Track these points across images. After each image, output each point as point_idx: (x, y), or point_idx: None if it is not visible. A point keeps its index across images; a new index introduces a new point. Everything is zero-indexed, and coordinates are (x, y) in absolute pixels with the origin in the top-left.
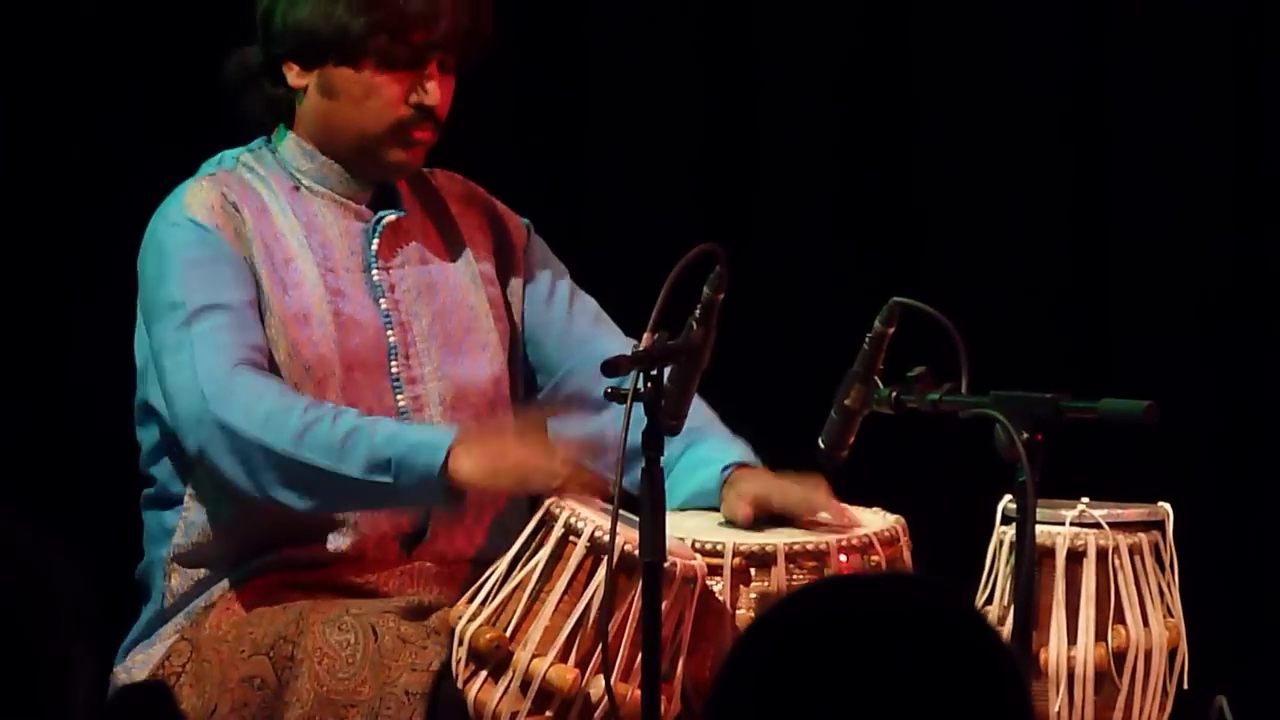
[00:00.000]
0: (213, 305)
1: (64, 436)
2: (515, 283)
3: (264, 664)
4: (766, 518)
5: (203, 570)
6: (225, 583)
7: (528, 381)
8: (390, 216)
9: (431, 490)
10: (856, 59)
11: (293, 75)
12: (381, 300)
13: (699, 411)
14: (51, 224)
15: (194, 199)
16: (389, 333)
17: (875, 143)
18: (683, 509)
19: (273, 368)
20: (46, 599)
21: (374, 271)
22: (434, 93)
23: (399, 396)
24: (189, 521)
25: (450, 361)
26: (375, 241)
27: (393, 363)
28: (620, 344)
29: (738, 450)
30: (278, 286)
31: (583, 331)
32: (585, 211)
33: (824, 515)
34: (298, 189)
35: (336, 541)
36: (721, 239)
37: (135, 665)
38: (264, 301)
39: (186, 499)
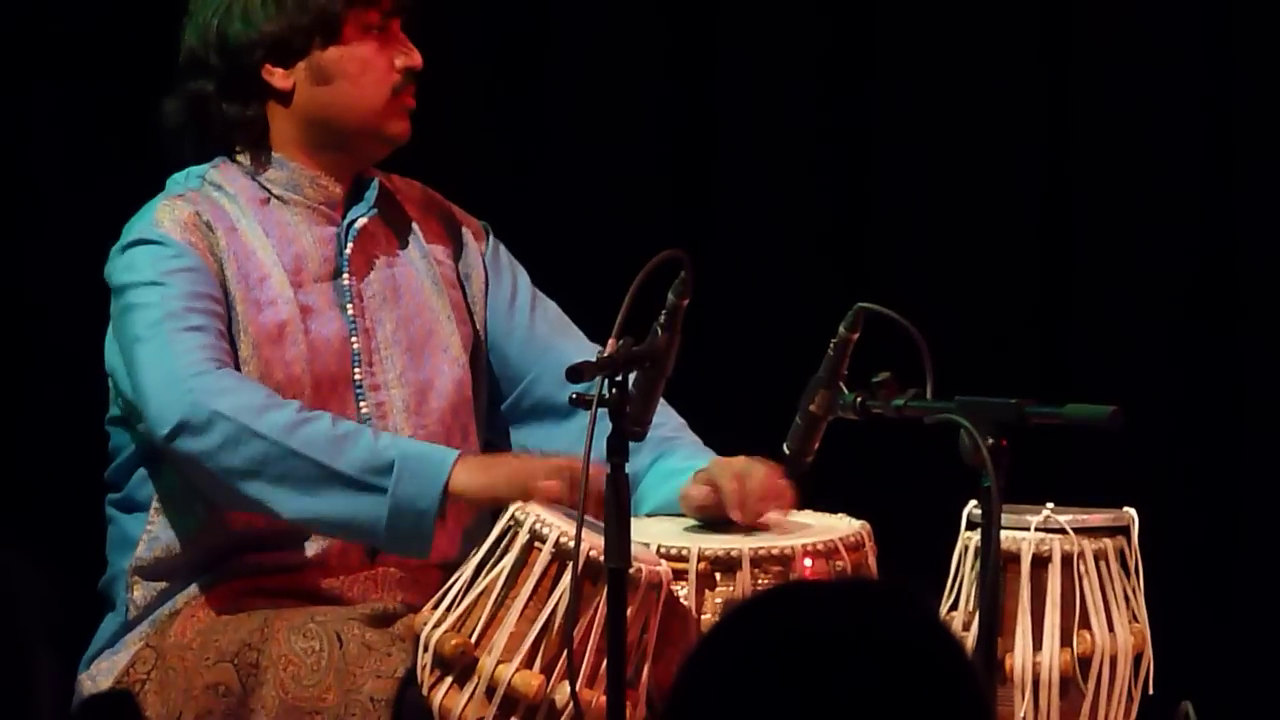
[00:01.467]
0: (189, 309)
1: (28, 443)
2: (477, 287)
3: (229, 671)
4: (726, 520)
5: (165, 582)
6: (190, 590)
7: (492, 389)
8: (362, 220)
9: (427, 500)
10: (821, 63)
11: (276, 78)
12: (348, 306)
13: (669, 421)
14: (14, 228)
15: (165, 215)
16: (353, 339)
17: (839, 147)
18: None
19: None
20: (9, 605)
21: (344, 277)
22: (414, 53)
23: (362, 404)
24: (153, 536)
25: (413, 366)
26: (349, 246)
27: (356, 370)
28: (583, 349)
29: (707, 460)
30: (251, 306)
31: (545, 337)
32: (548, 217)
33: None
34: (267, 201)
35: (301, 547)
36: (686, 245)
37: (100, 673)
38: (237, 323)
39: (151, 513)
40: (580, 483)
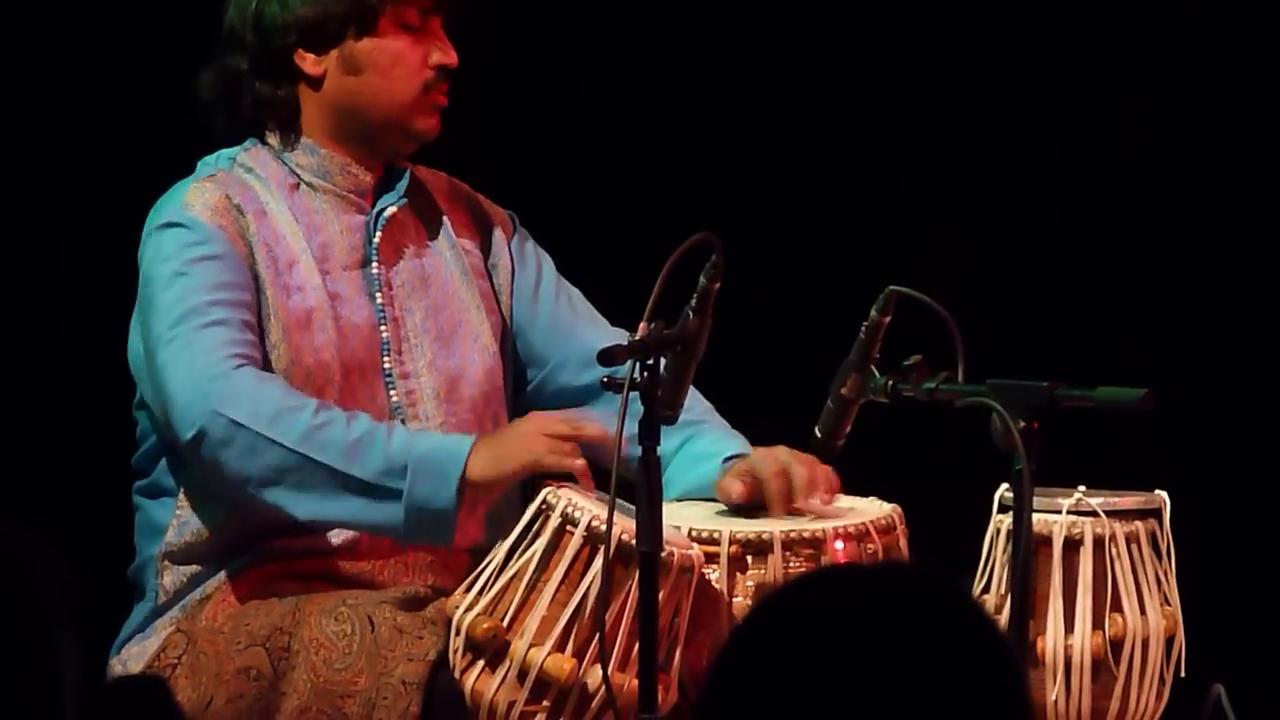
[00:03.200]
0: (212, 303)
1: (56, 429)
2: (503, 276)
3: (260, 655)
4: (761, 505)
5: (195, 566)
6: (220, 575)
7: (518, 376)
8: (391, 209)
9: (443, 499)
10: (851, 44)
11: (308, 64)
12: (377, 295)
13: (697, 405)
14: (44, 213)
15: (196, 199)
16: (382, 329)
17: (871, 129)
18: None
19: (271, 373)
20: (33, 590)
21: (373, 266)
22: (450, 51)
23: (392, 392)
24: (182, 521)
25: (443, 355)
26: (378, 235)
27: (385, 359)
28: (606, 336)
29: (736, 444)
30: (281, 291)
31: (568, 324)
32: (580, 202)
33: (813, 503)
34: (297, 187)
35: (332, 532)
36: (717, 228)
37: (131, 658)
38: (267, 306)
39: (180, 497)
40: (613, 470)
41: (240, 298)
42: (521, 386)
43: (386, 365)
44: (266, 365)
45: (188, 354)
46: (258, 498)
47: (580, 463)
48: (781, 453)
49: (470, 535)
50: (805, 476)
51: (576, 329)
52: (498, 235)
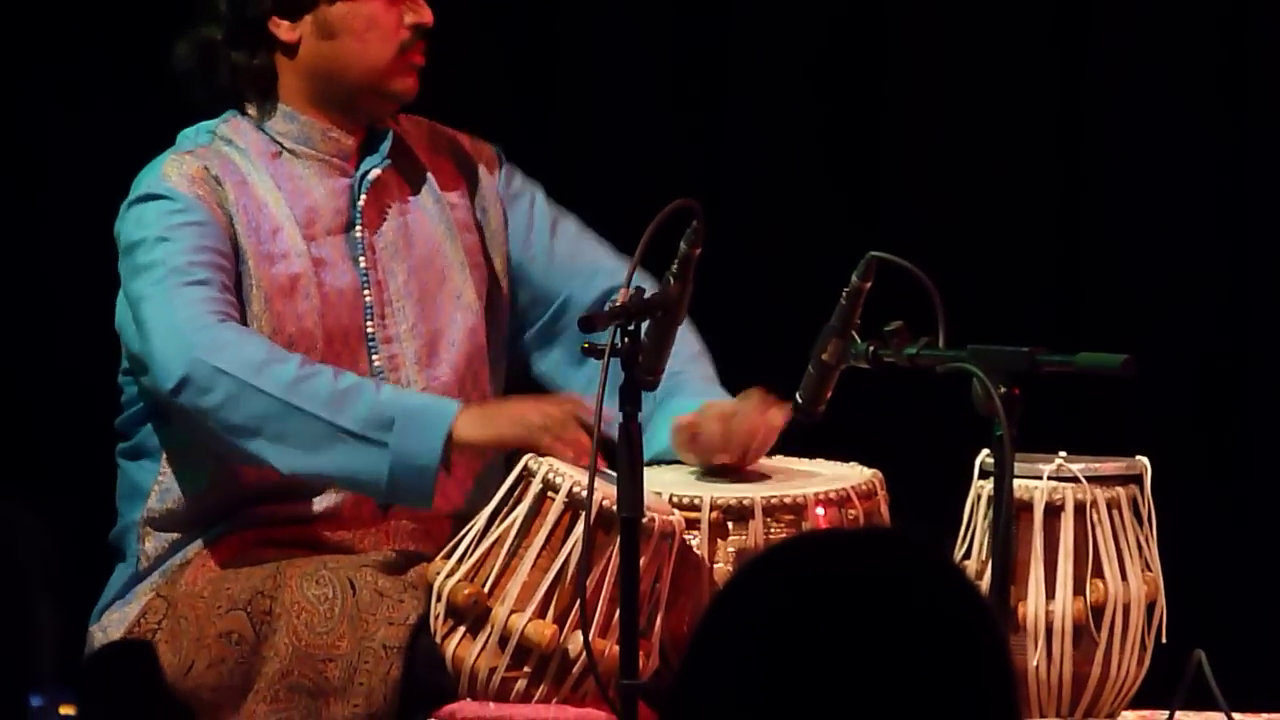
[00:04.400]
0: (193, 264)
1: (41, 396)
2: (495, 221)
3: (241, 619)
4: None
5: (176, 534)
6: (201, 541)
7: (517, 322)
8: (375, 171)
9: (428, 453)
10: (832, 6)
11: (283, 30)
12: (361, 259)
13: (684, 350)
14: (24, 176)
15: (174, 170)
16: (365, 293)
17: (851, 94)
18: (658, 460)
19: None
20: (9, 553)
21: (356, 229)
22: (425, 10)
23: (374, 356)
24: (164, 487)
25: (424, 317)
26: (362, 199)
27: (369, 323)
28: (608, 256)
29: (716, 396)
30: (263, 260)
31: (568, 255)
32: (558, 169)
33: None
34: (279, 155)
35: (314, 499)
36: (697, 194)
37: (111, 624)
38: (249, 276)
39: (162, 463)
40: (593, 432)
41: (220, 263)
42: (518, 334)
43: (370, 329)
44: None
45: (170, 307)
46: (239, 448)
47: (570, 452)
48: (727, 403)
49: (451, 499)
50: (746, 420)
51: (578, 262)
52: (484, 178)
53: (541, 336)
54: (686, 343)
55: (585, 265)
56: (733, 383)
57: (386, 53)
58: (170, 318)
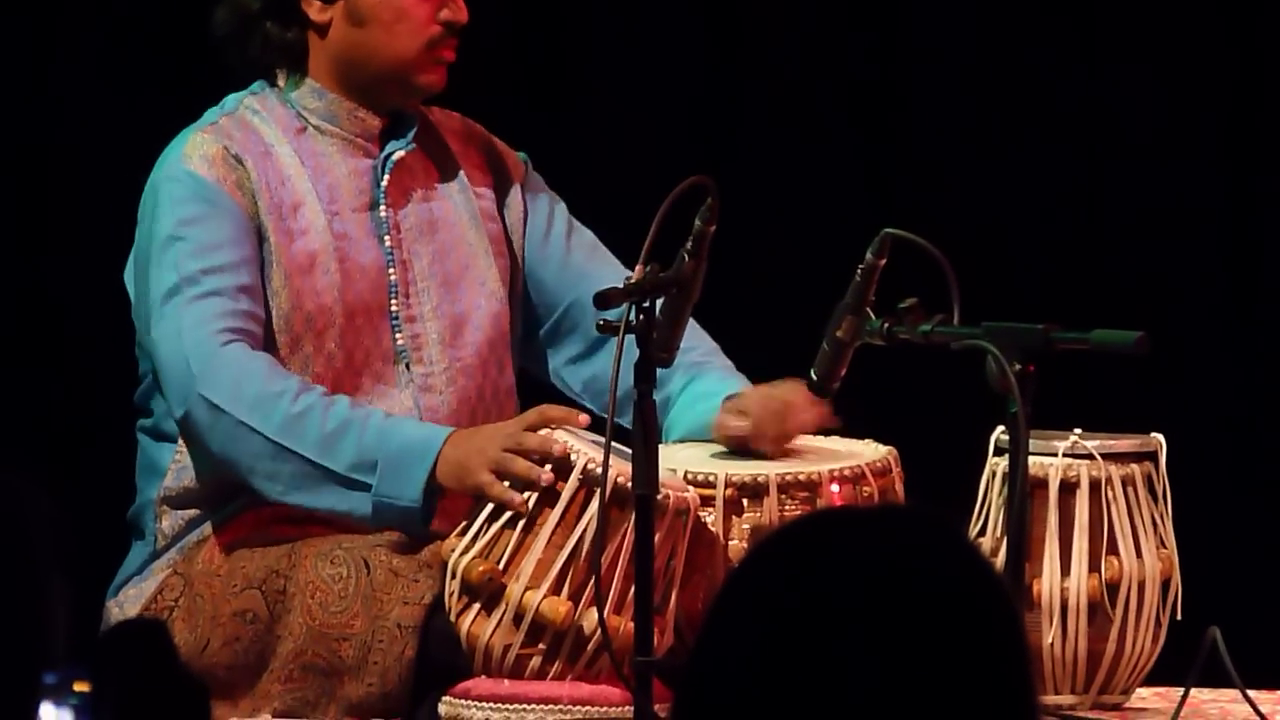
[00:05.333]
0: (205, 270)
1: (59, 372)
2: (515, 219)
3: (256, 598)
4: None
5: (193, 510)
6: (217, 518)
7: (529, 320)
8: (399, 153)
9: (408, 496)
10: None
11: (314, 10)
12: (385, 238)
13: (701, 344)
14: (47, 155)
15: (194, 150)
16: (390, 271)
17: (866, 72)
18: (680, 442)
19: (269, 326)
20: (19, 529)
21: (380, 209)
22: (461, 8)
23: (398, 335)
24: (181, 466)
25: (449, 299)
26: (385, 179)
27: (393, 301)
28: (619, 276)
29: (738, 384)
30: (284, 236)
31: (580, 265)
32: (576, 145)
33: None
34: (304, 130)
35: None
36: (712, 170)
37: (128, 600)
38: (270, 253)
39: (180, 442)
40: (609, 411)
41: (235, 258)
42: (533, 332)
43: (393, 308)
44: (266, 318)
45: (177, 329)
46: (238, 478)
47: (520, 499)
48: (772, 389)
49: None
50: (799, 414)
51: (589, 271)
52: (510, 178)
53: (548, 338)
54: (702, 338)
55: (595, 275)
56: (747, 359)
57: (414, 46)
58: (177, 342)
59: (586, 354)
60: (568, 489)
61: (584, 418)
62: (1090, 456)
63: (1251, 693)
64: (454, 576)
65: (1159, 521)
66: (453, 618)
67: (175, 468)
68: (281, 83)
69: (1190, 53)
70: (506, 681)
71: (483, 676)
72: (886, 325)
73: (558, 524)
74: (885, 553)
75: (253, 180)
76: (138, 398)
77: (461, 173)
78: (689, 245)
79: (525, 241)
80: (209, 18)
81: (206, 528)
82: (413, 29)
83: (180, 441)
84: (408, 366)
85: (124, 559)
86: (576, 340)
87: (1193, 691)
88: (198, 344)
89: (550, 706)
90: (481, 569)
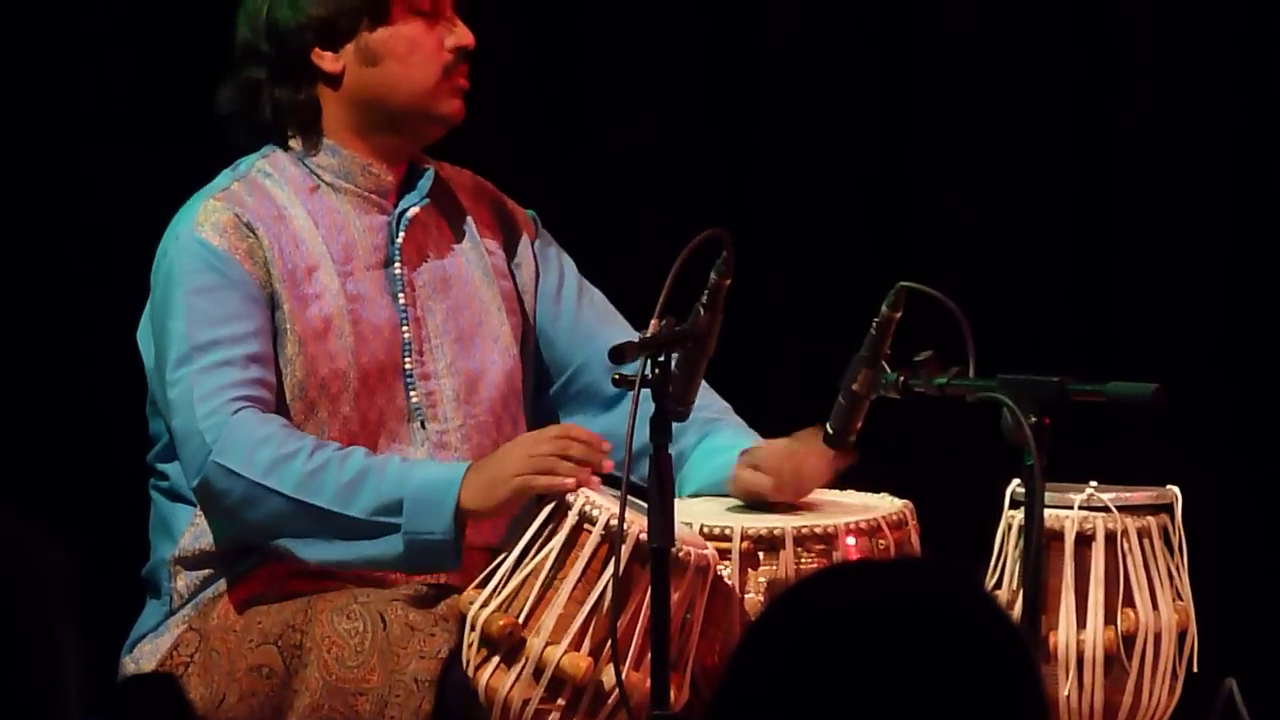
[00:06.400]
0: (214, 341)
1: (74, 425)
2: (526, 277)
3: (272, 653)
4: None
5: (207, 570)
6: (233, 574)
7: (540, 375)
8: (414, 208)
9: (440, 528)
10: (859, 39)
11: (326, 62)
12: (400, 295)
13: (714, 403)
14: (64, 214)
15: (206, 218)
16: (404, 329)
17: (879, 127)
18: (695, 496)
19: (282, 393)
20: (32, 582)
21: (395, 266)
22: (465, 32)
23: (412, 393)
24: (199, 530)
25: (463, 356)
26: (400, 235)
27: (406, 359)
28: (628, 337)
29: (751, 441)
30: (298, 303)
31: (591, 326)
32: (590, 198)
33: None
34: (317, 188)
35: None
36: (727, 224)
37: (143, 656)
38: (283, 321)
39: (196, 509)
40: (625, 466)
41: (245, 329)
42: (544, 389)
43: (407, 366)
44: (279, 386)
45: (189, 399)
46: (261, 540)
47: (570, 480)
48: (794, 443)
49: (483, 535)
50: (814, 468)
51: (599, 331)
52: (521, 236)
53: (558, 397)
54: (714, 397)
55: (605, 336)
56: (763, 412)
57: (431, 74)
58: (190, 411)
59: (597, 413)
60: (589, 543)
61: (607, 444)
62: (1106, 509)
63: None
64: (473, 629)
65: (1175, 573)
66: (471, 670)
67: (193, 531)
68: (294, 144)
69: (1202, 101)
70: None
71: None
72: (902, 378)
73: (579, 579)
74: (904, 606)
75: (265, 248)
76: (151, 458)
77: (474, 229)
78: (704, 298)
79: (537, 302)
80: (213, 99)
81: (222, 584)
82: (427, 58)
83: (198, 507)
84: (423, 424)
85: (139, 615)
86: (586, 400)
87: None
88: (209, 413)
89: None
90: (502, 623)
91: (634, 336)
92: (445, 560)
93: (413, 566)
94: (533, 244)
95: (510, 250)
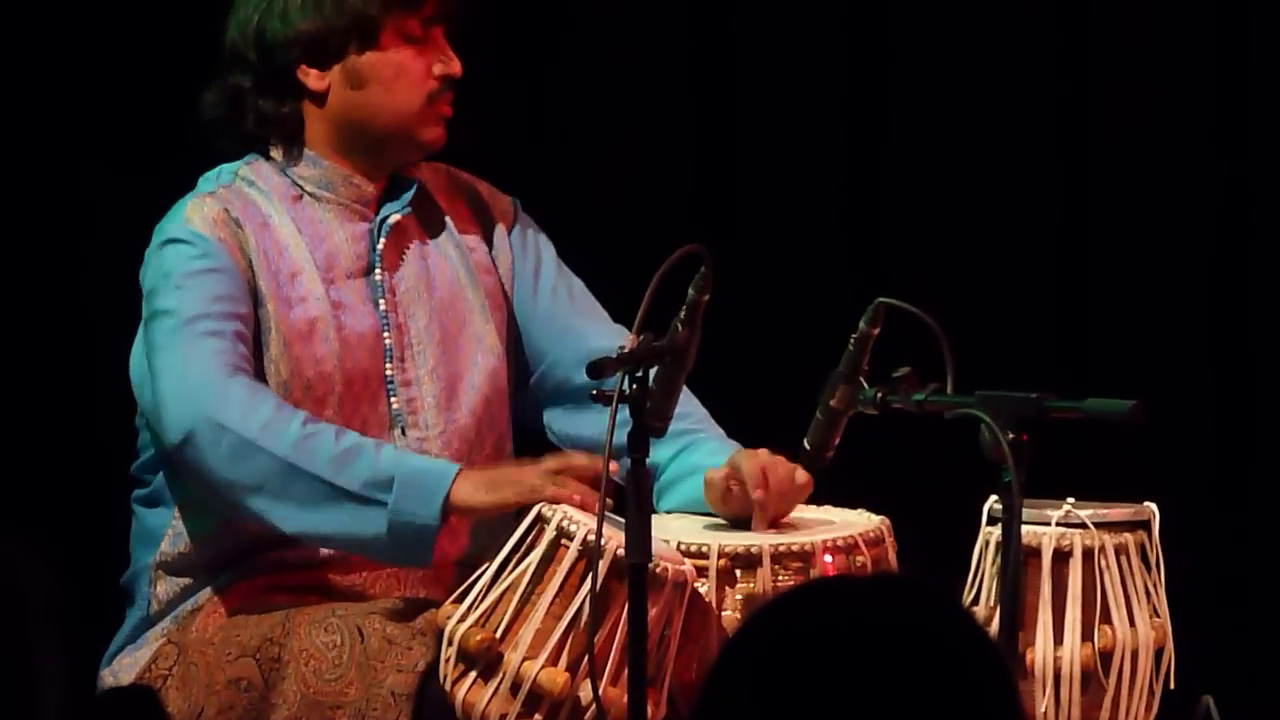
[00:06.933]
0: (206, 314)
1: (55, 438)
2: (505, 268)
3: (250, 666)
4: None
5: (188, 578)
6: (212, 586)
7: (520, 369)
8: (395, 216)
9: (427, 513)
10: (839, 58)
11: (311, 79)
12: (381, 302)
13: (693, 411)
14: (48, 225)
15: (195, 213)
16: (385, 336)
17: (858, 141)
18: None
19: (271, 387)
20: (13, 597)
21: (376, 273)
22: (454, 61)
23: (393, 400)
24: (177, 531)
25: (445, 360)
26: (381, 243)
27: (388, 366)
28: (606, 331)
29: (730, 454)
30: (282, 304)
31: (565, 318)
32: (568, 213)
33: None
34: (300, 198)
35: None
36: (705, 240)
37: (122, 669)
38: (268, 319)
39: (176, 508)
40: (601, 479)
41: (236, 311)
42: (524, 381)
43: (389, 373)
44: (261, 379)
45: (183, 360)
46: (241, 505)
47: (577, 497)
48: (763, 455)
49: (445, 552)
50: (786, 469)
51: (574, 324)
52: (499, 225)
53: (537, 388)
54: (694, 405)
55: (578, 331)
56: (740, 428)
57: (415, 101)
58: (181, 371)
59: (572, 409)
60: (567, 559)
61: (615, 465)
62: (1084, 525)
63: None
64: (450, 644)
65: (1152, 590)
66: (448, 685)
67: (171, 533)
68: (276, 155)
69: (1188, 124)
70: None
71: None
72: (880, 394)
73: (557, 594)
74: (881, 621)
75: (251, 246)
76: (134, 469)
77: (453, 229)
78: (682, 314)
79: (514, 291)
80: (196, 102)
81: (201, 596)
82: (412, 85)
83: (176, 506)
84: (403, 431)
85: (117, 628)
86: (561, 395)
87: None
88: (203, 372)
89: None
90: (479, 637)
91: (610, 330)
92: (421, 552)
93: (389, 551)
94: (510, 232)
95: (490, 242)
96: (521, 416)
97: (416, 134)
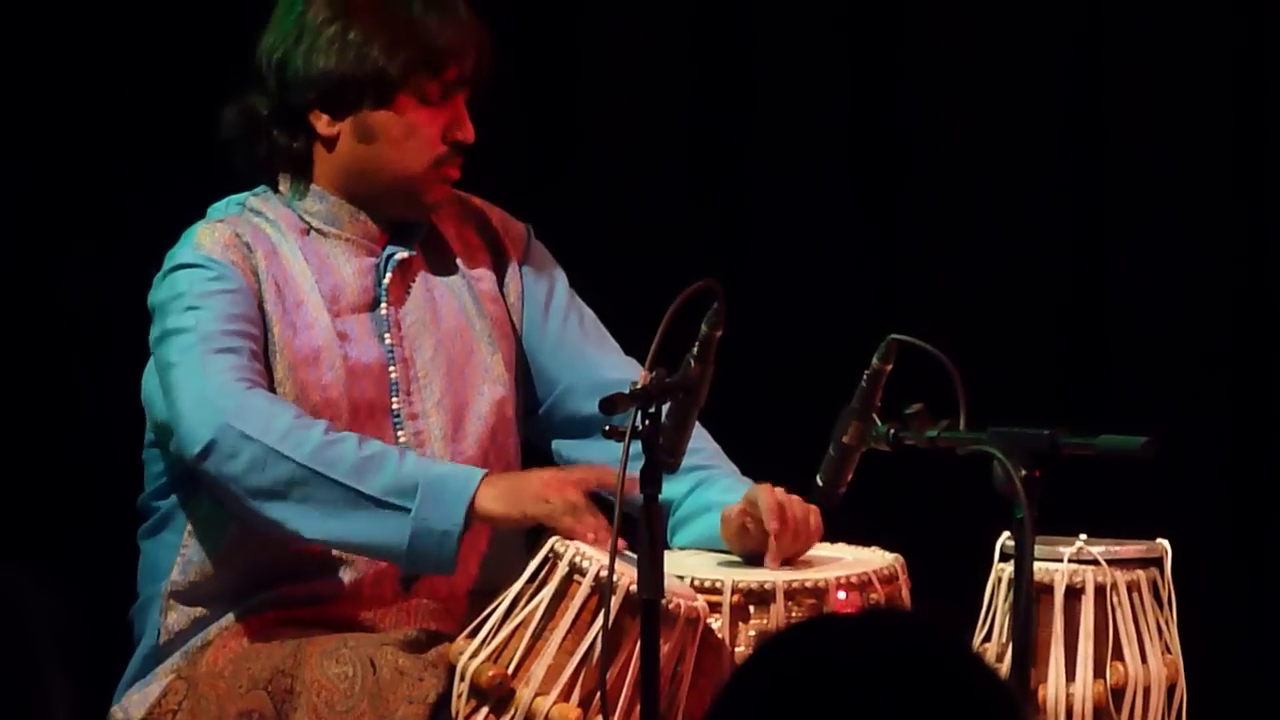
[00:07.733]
0: (224, 332)
1: (65, 472)
2: (514, 298)
3: (262, 698)
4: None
5: (199, 609)
6: (222, 621)
7: (529, 398)
8: (401, 254)
9: (450, 520)
10: (853, 87)
11: (322, 124)
12: (386, 336)
13: (706, 447)
14: (59, 257)
15: (206, 238)
16: (391, 369)
17: (869, 175)
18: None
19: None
20: (20, 626)
21: (381, 307)
22: (468, 129)
23: (399, 433)
24: (187, 559)
25: (451, 390)
26: (387, 277)
27: (394, 399)
28: (617, 362)
29: (745, 491)
30: (288, 328)
31: (576, 347)
32: (581, 248)
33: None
34: (307, 232)
35: (334, 578)
36: (718, 275)
37: (132, 705)
38: (274, 344)
39: (185, 536)
40: (615, 513)
41: (250, 331)
42: (533, 409)
43: (395, 406)
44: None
45: (201, 373)
46: (263, 513)
47: (591, 535)
48: (780, 493)
49: (468, 571)
50: (801, 506)
51: (585, 353)
52: (509, 254)
53: (547, 417)
54: (706, 440)
55: (589, 360)
56: (753, 464)
57: (421, 163)
58: (199, 383)
59: (582, 439)
60: (579, 594)
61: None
62: (1096, 562)
63: None
64: (463, 679)
65: (1164, 627)
66: None
67: (181, 561)
68: (284, 188)
69: (1202, 146)
70: None
71: None
72: (892, 430)
73: (569, 630)
74: (886, 658)
75: (261, 269)
76: (140, 502)
77: (460, 260)
78: (695, 350)
79: (524, 320)
80: (218, 117)
81: (211, 630)
82: (421, 146)
83: (185, 535)
84: None
85: (125, 663)
86: (571, 425)
87: None
88: (222, 385)
89: None
90: (492, 673)
91: (622, 361)
92: (445, 558)
93: (411, 559)
94: (520, 261)
95: (499, 271)
96: (530, 439)
97: (419, 194)
